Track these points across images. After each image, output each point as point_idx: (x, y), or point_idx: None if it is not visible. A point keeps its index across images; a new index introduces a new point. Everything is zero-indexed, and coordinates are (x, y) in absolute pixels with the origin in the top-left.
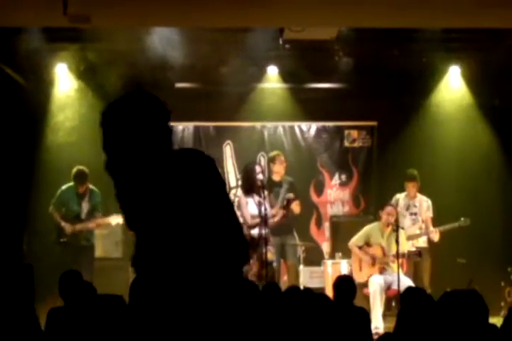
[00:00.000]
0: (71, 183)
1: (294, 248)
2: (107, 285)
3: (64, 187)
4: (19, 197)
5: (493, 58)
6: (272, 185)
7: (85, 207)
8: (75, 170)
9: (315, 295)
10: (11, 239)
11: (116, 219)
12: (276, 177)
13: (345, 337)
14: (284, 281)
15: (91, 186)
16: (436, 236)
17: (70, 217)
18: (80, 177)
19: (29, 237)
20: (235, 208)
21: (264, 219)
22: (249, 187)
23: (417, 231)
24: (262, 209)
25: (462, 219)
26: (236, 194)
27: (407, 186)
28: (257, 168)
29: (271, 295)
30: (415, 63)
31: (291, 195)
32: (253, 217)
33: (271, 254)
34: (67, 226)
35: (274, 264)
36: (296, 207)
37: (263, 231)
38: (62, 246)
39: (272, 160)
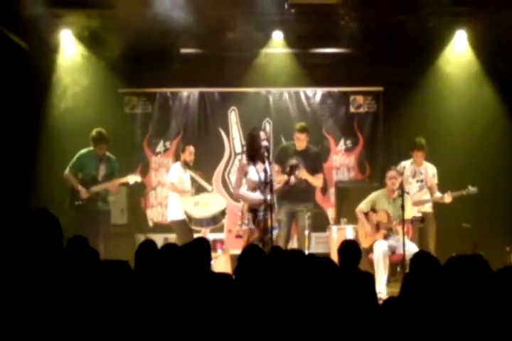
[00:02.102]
0: (90, 147)
1: (303, 214)
2: (112, 251)
3: (83, 150)
4: (24, 163)
5: (500, 22)
6: (294, 153)
7: (102, 170)
8: (94, 132)
9: (318, 259)
10: (16, 205)
11: (134, 178)
12: (299, 147)
13: (351, 301)
14: (292, 247)
15: (108, 153)
16: (448, 198)
17: (87, 180)
18: (100, 139)
19: (35, 203)
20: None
21: (270, 186)
22: (254, 153)
23: (425, 197)
24: (266, 175)
25: (470, 187)
26: (240, 160)
27: (415, 155)
28: (262, 135)
29: (276, 260)
30: (421, 28)
31: (294, 162)
32: (255, 183)
33: (274, 221)
34: (83, 191)
35: (276, 231)
36: (316, 180)
37: (267, 198)
38: (77, 210)
39: (296, 131)
